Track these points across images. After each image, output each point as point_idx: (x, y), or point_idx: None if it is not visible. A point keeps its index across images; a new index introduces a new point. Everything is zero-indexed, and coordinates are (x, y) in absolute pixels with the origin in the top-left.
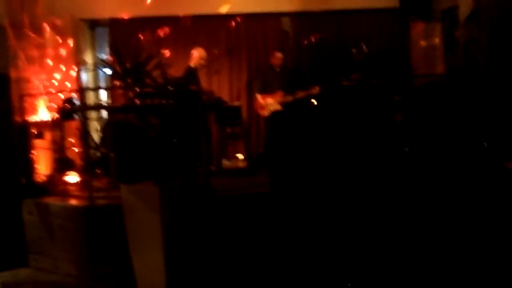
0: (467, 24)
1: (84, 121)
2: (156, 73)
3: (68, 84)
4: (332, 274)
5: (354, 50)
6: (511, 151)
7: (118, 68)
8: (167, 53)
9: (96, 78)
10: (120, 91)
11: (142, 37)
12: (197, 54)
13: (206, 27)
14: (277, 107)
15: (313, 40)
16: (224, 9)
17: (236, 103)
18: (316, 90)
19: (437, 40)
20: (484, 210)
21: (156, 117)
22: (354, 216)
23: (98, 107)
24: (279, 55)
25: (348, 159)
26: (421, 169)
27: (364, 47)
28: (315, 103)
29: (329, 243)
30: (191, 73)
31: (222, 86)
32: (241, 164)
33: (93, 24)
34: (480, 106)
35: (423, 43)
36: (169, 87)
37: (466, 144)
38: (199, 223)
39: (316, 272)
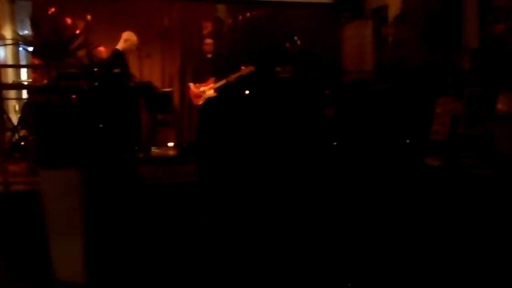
0: (396, 23)
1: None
2: (81, 54)
3: None
4: (255, 266)
5: (288, 45)
6: (430, 147)
7: (38, 45)
8: (94, 33)
9: (16, 55)
10: (41, 70)
11: (68, 15)
12: (126, 37)
13: (138, 9)
14: (211, 93)
15: (247, 28)
16: None
17: (167, 89)
18: (247, 70)
19: (367, 38)
20: (405, 205)
21: (80, 99)
22: (282, 208)
23: (15, 86)
24: (209, 41)
25: (278, 150)
26: (348, 163)
27: (298, 41)
28: (247, 93)
29: (255, 235)
30: (118, 56)
31: (153, 71)
32: (171, 152)
33: None
34: (404, 103)
35: (354, 39)
36: (94, 69)
37: (390, 140)
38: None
39: (239, 264)
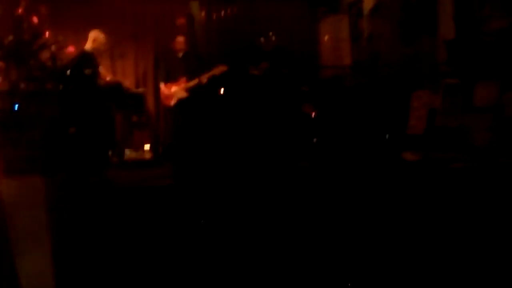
0: (371, 17)
1: None
2: (46, 56)
3: None
4: (233, 271)
5: (262, 40)
6: (407, 142)
7: None
8: (64, 34)
9: None
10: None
11: (35, 16)
12: (93, 37)
13: (110, 8)
14: (183, 94)
15: (221, 26)
16: None
17: (140, 90)
18: (218, 70)
19: (344, 32)
20: (382, 201)
21: (46, 103)
22: (259, 211)
23: None
24: (180, 39)
25: (255, 149)
26: (327, 159)
27: (273, 36)
28: (222, 92)
29: (231, 240)
30: (85, 57)
31: (127, 72)
32: (147, 155)
33: None
34: (381, 98)
35: (330, 34)
36: (60, 71)
37: (368, 135)
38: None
39: (212, 269)
